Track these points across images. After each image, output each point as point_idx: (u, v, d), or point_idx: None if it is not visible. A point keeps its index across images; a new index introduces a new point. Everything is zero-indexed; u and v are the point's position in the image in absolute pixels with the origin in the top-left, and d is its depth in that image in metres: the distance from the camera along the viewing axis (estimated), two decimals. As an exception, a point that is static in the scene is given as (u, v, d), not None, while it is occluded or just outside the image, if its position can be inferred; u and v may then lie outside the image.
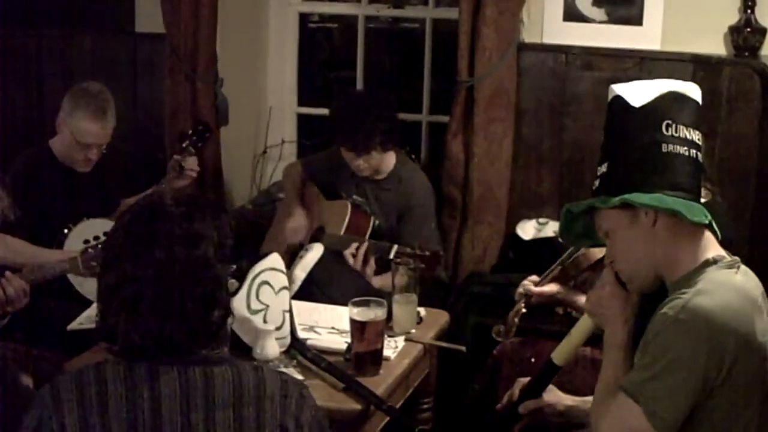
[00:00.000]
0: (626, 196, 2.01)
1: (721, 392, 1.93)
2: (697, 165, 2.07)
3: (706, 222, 2.01)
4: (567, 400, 2.43)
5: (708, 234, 2.06)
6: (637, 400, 1.94)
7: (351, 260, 3.50)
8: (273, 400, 1.75)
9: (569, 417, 2.41)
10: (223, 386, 1.74)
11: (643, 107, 2.05)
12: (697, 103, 2.10)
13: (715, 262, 2.02)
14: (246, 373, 1.77)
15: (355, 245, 3.51)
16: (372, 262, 3.50)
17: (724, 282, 1.99)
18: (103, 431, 1.71)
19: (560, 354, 2.36)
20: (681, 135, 2.04)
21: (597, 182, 2.10)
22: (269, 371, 1.81)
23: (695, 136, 2.07)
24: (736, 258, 2.06)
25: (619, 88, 2.11)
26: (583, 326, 2.32)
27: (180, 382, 1.73)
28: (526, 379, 2.48)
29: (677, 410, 1.92)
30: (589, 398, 2.41)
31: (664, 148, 2.03)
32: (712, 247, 2.05)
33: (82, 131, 3.53)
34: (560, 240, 2.38)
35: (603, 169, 2.09)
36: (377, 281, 3.49)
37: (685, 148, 2.04)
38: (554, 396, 2.43)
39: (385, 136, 3.60)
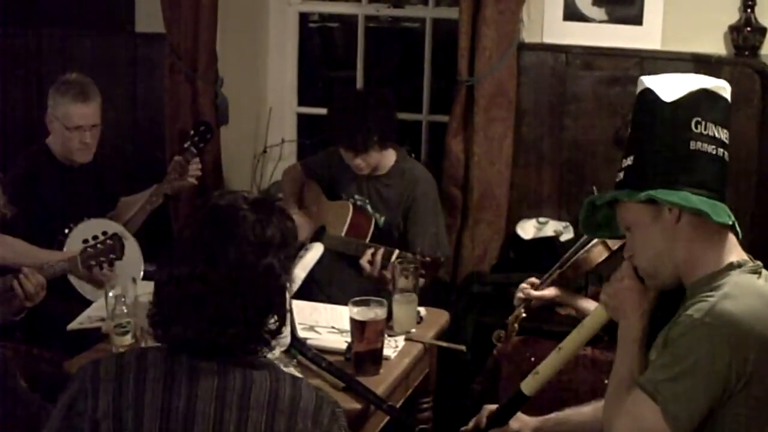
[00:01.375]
0: (652, 192, 1.98)
1: (739, 398, 1.91)
2: (724, 164, 2.03)
3: (730, 223, 1.98)
4: (532, 422, 2.41)
5: (731, 236, 2.03)
6: (655, 398, 1.92)
7: (368, 268, 3.34)
8: (306, 414, 1.74)
9: None
10: (260, 391, 1.74)
11: (673, 102, 2.01)
12: (727, 101, 2.06)
13: (739, 266, 1.99)
14: (284, 382, 1.77)
15: (370, 252, 3.37)
16: (396, 268, 3.19)
17: (748, 286, 1.96)
18: (135, 415, 1.71)
19: (530, 385, 2.31)
20: (710, 133, 2.01)
21: (621, 174, 2.06)
22: (306, 385, 1.80)
23: (723, 134, 2.03)
24: (759, 263, 2.03)
25: (649, 81, 2.06)
26: (557, 357, 2.27)
27: (218, 379, 1.74)
28: (494, 407, 2.44)
29: (694, 413, 1.90)
30: (553, 415, 2.40)
31: (692, 145, 1.99)
32: (735, 250, 2.02)
33: (70, 114, 3.56)
34: (580, 230, 2.34)
35: (628, 161, 2.05)
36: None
37: (713, 146, 2.00)
38: (519, 422, 2.40)
39: (383, 134, 3.56)
